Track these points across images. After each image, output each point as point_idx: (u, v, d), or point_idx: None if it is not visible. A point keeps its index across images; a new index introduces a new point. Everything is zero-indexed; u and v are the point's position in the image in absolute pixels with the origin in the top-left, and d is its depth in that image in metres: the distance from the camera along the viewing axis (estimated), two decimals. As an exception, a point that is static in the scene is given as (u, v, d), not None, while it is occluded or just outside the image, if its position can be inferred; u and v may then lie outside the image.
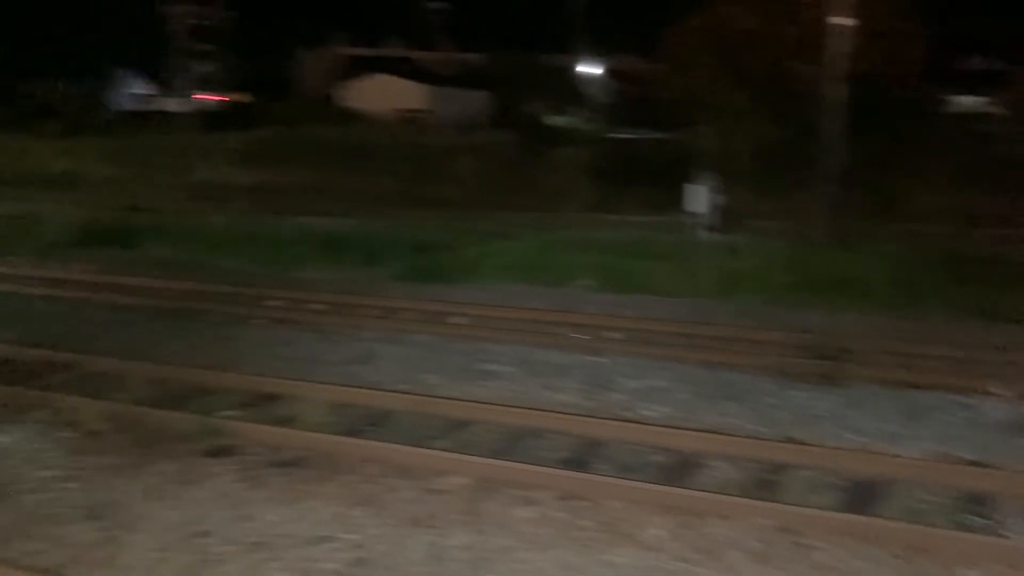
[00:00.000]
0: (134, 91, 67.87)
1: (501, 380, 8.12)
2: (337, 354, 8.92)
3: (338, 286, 11.94)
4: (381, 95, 49.61)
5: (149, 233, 15.46)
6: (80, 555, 4.94)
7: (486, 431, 6.81)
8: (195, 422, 6.70)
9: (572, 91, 37.00)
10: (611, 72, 43.73)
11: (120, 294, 11.40)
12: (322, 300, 10.91)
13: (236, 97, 56.89)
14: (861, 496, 5.72)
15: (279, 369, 8.24)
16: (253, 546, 5.04)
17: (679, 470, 6.16)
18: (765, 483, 5.95)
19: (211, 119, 45.74)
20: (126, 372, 8.02)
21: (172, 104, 51.71)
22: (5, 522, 5.33)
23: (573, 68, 40.29)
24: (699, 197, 14.82)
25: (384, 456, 6.21)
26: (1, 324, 9.81)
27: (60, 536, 5.17)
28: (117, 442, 6.57)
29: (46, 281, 12.16)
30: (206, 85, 53.53)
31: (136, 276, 12.25)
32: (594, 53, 41.13)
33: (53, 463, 6.23)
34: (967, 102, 32.02)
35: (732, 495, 5.60)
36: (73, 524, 5.32)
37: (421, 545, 5.10)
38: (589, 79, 40.64)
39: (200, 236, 15.15)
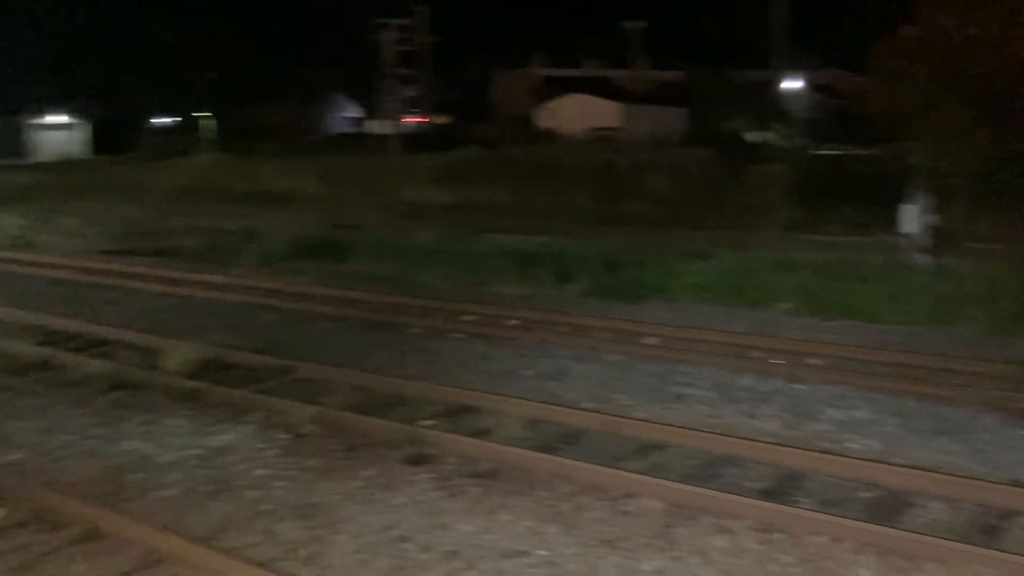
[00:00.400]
0: (346, 114, 72.28)
1: (695, 404, 7.93)
2: (530, 369, 9.03)
3: (531, 302, 12.11)
4: (576, 114, 50.18)
5: (356, 248, 16.32)
6: (289, 551, 5.25)
7: (680, 455, 6.66)
8: (396, 430, 6.98)
9: (773, 106, 35.81)
10: (814, 86, 41.99)
11: (329, 305, 12.10)
12: (516, 316, 11.10)
13: (437, 119, 59.30)
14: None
15: (475, 382, 8.45)
16: (449, 555, 5.17)
17: (887, 508, 5.75)
18: (986, 529, 5.45)
19: (414, 140, 47.95)
20: (334, 379, 8.50)
21: (379, 126, 54.58)
22: (227, 513, 5.76)
23: (774, 83, 39.00)
24: (911, 216, 13.87)
25: (576, 474, 6.21)
26: (225, 330, 10.66)
27: (272, 532, 5.52)
28: (325, 445, 6.96)
29: (264, 291, 13.09)
30: (410, 108, 56.13)
31: (344, 288, 12.95)
32: (796, 67, 39.66)
33: (268, 462, 6.67)
34: None
35: (949, 539, 5.16)
36: (284, 521, 5.66)
37: (612, 566, 5.04)
38: (791, 94, 39.20)
39: (403, 252, 15.83)
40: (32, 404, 8.08)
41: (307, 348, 9.78)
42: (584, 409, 7.63)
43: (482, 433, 7.02)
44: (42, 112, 59.17)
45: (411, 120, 55.79)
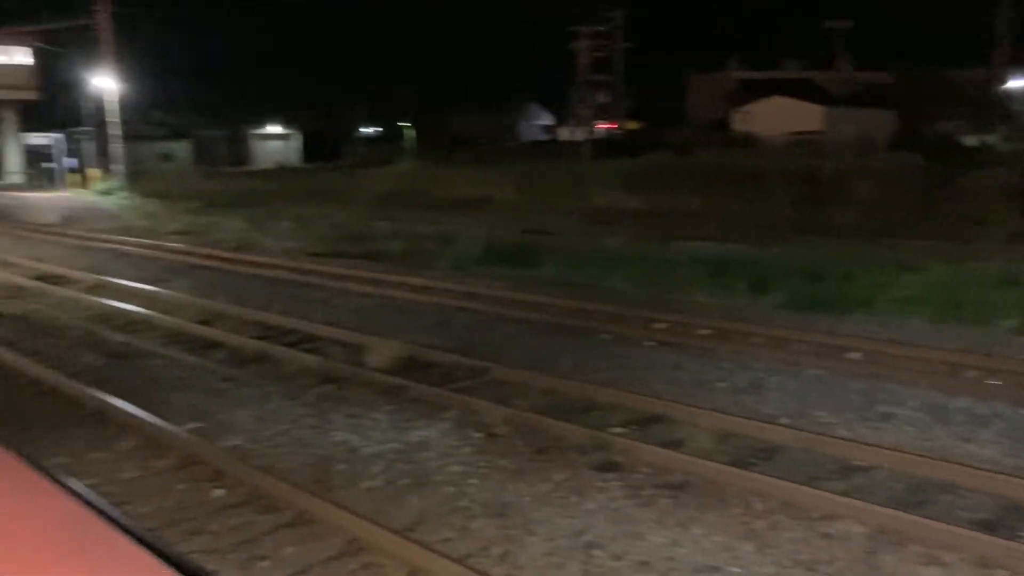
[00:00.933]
0: (539, 122, 73.54)
1: (904, 425, 7.44)
2: (724, 381, 8.80)
3: (725, 312, 11.80)
4: (775, 118, 48.50)
5: (548, 253, 16.54)
6: (482, 549, 5.38)
7: (887, 479, 6.27)
8: (586, 435, 7.00)
9: (996, 108, 33.08)
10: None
11: (522, 309, 12.32)
12: (708, 325, 10.85)
13: (629, 125, 59.13)
14: None
15: (665, 391, 8.34)
16: (639, 565, 5.12)
17: None
18: None
19: (605, 147, 48.06)
20: (526, 381, 8.64)
21: (571, 133, 55.13)
22: (424, 507, 5.98)
23: (995, 82, 36.05)
24: None
25: (772, 491, 5.99)
26: (424, 331, 11.11)
27: (466, 528, 5.67)
28: (516, 446, 7.09)
29: (460, 294, 13.52)
30: (602, 114, 56.32)
31: (535, 293, 13.15)
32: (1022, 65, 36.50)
33: (463, 459, 6.87)
34: None
35: None
36: (477, 519, 5.81)
37: (811, 592, 4.82)
38: (1016, 94, 36.08)
39: (593, 258, 15.89)
40: (251, 394, 8.73)
41: (500, 350, 10.00)
42: (781, 424, 7.34)
43: (673, 444, 6.91)
44: (262, 123, 64.15)
45: (603, 126, 55.94)
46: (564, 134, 61.54)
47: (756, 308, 12.17)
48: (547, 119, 75.67)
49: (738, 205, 23.31)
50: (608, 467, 6.55)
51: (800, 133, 45.48)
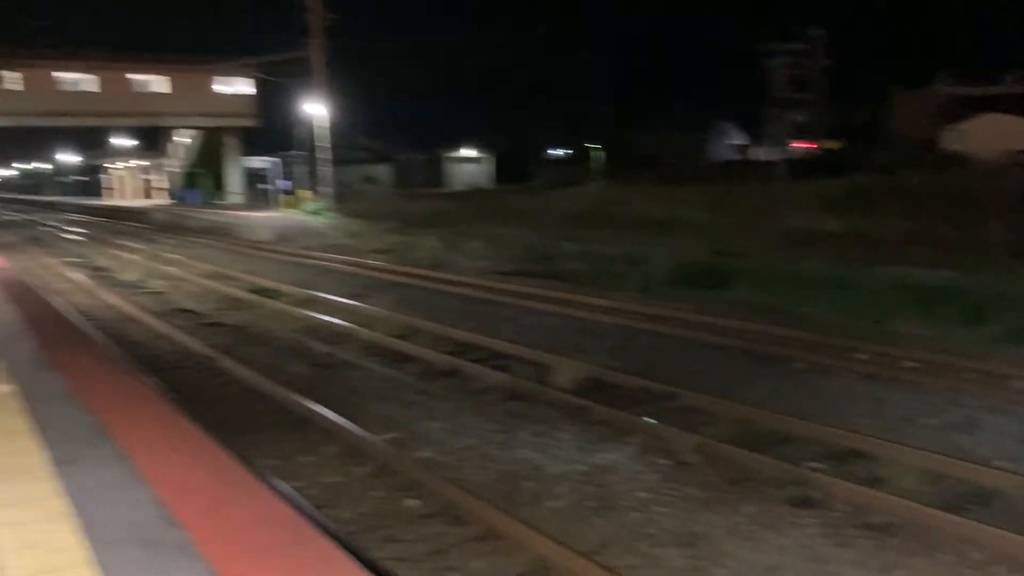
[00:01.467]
0: (731, 141, 71.95)
1: None
2: (933, 418, 8.19)
3: (934, 344, 10.99)
4: (991, 136, 45.06)
5: (738, 276, 16.07)
6: (670, 577, 5.26)
7: None
8: (781, 468, 6.71)
9: None
10: None
11: (710, 333, 12.02)
12: (916, 357, 10.14)
13: (827, 144, 56.73)
14: None
15: (866, 426, 7.86)
16: (837, 609, 4.84)
17: None
18: None
19: (801, 167, 46.27)
20: (715, 409, 8.40)
21: (765, 153, 53.54)
22: (610, 531, 5.93)
23: None
24: None
25: (989, 541, 5.49)
26: (610, 353, 11.07)
27: (652, 556, 5.57)
28: (705, 476, 6.90)
29: (646, 316, 13.37)
30: (798, 133, 54.37)
31: (726, 317, 12.79)
32: None
33: (648, 486, 6.76)
34: None
35: None
36: (664, 547, 5.69)
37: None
38: None
39: (787, 282, 15.28)
40: (442, 407, 9.01)
41: (687, 375, 9.79)
42: (998, 468, 6.74)
43: (876, 482, 6.49)
44: (457, 147, 66.62)
45: (799, 146, 53.94)
46: (757, 154, 59.82)
47: (970, 340, 11.26)
48: (739, 138, 73.88)
49: (947, 229, 21.71)
50: (804, 503, 6.24)
51: (1021, 152, 41.93)
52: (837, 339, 11.14)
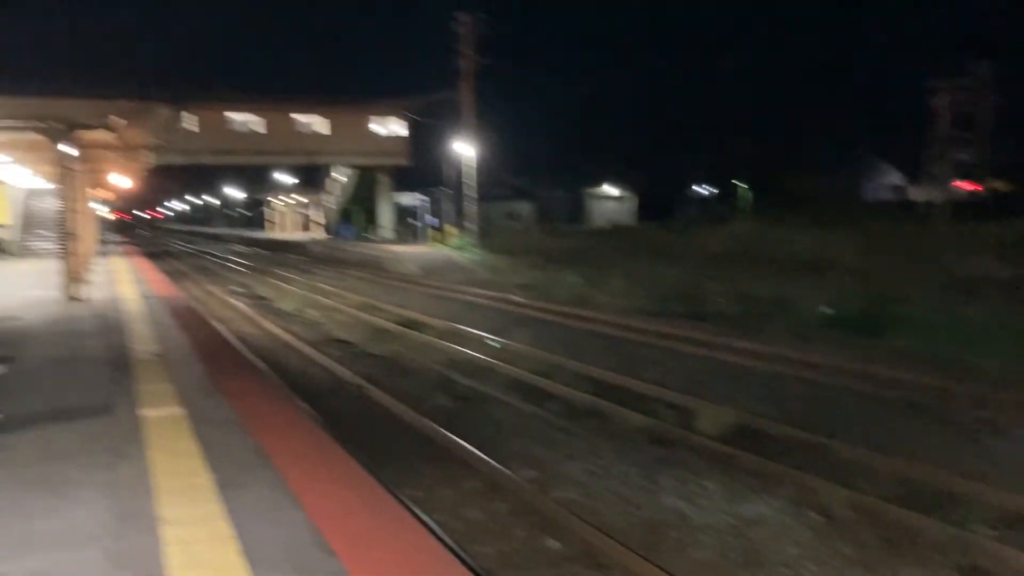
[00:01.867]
0: (886, 181, 68.97)
1: None
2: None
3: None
4: None
5: (898, 322, 15.25)
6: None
7: None
8: (946, 533, 6.27)
9: None
10: None
11: (867, 382, 11.43)
12: (1100, 417, 9.30)
13: (995, 185, 53.44)
14: None
15: (1044, 491, 7.25)
16: None
17: None
18: None
19: (967, 209, 43.74)
20: (872, 463, 7.96)
21: (924, 193, 50.98)
22: (757, 588, 5.69)
23: None
24: None
25: None
26: (758, 399, 10.69)
27: (805, 616, 5.29)
28: (861, 534, 6.53)
29: (796, 362, 12.86)
30: (962, 173, 51.51)
31: (882, 365, 12.15)
32: None
33: (800, 541, 6.46)
34: None
35: None
36: (817, 608, 5.40)
37: None
38: None
39: (953, 330, 14.38)
40: (582, 447, 8.93)
41: (841, 426, 9.33)
42: None
43: (1057, 554, 5.96)
44: (599, 184, 66.77)
45: (963, 186, 51.05)
46: (916, 194, 56.96)
47: None
48: (896, 178, 70.62)
49: None
50: (973, 572, 5.80)
51: None
52: (1010, 394, 10.36)
